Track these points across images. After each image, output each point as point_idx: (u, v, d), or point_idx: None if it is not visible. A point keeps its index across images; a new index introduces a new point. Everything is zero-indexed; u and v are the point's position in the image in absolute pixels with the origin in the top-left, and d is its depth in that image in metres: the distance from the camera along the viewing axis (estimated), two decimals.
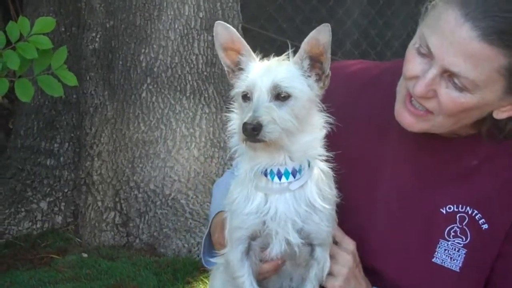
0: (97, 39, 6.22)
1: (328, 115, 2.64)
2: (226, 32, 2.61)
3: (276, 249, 2.63)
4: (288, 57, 2.61)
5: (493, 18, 2.42)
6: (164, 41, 5.99)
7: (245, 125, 2.45)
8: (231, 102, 2.70)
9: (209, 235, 3.05)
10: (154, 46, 6.00)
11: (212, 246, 3.02)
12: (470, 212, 2.77)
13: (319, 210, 2.63)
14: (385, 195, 2.85)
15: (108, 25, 6.17)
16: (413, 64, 2.62)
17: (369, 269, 2.85)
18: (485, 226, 2.75)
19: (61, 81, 4.59)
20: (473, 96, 2.54)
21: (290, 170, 2.60)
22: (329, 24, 2.54)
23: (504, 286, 2.76)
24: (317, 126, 2.63)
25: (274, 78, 2.52)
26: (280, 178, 2.60)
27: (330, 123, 2.63)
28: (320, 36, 2.54)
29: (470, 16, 2.43)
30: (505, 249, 2.75)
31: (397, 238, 2.83)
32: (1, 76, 4.45)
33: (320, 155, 2.65)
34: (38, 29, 4.52)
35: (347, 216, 2.72)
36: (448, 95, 2.56)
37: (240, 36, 2.62)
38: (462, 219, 2.78)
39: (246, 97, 2.56)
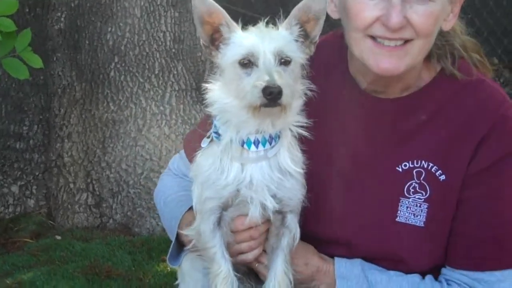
0: (62, 19, 6.15)
1: (309, 82, 2.67)
2: (203, 5, 2.59)
3: (253, 213, 2.64)
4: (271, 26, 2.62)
5: None
6: (130, 18, 5.94)
7: (268, 89, 2.44)
8: (205, 75, 2.68)
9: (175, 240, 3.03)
10: (121, 24, 5.94)
11: (178, 251, 3.01)
12: (426, 166, 2.80)
13: (292, 175, 2.65)
14: (341, 164, 2.87)
15: (73, 4, 6.09)
16: (367, 10, 2.65)
17: (336, 240, 2.87)
18: (443, 177, 2.79)
19: (26, 64, 4.55)
20: (436, 2, 2.63)
21: (267, 138, 2.61)
22: None
23: (464, 230, 2.80)
24: (299, 92, 2.65)
25: (277, 43, 2.53)
26: (257, 146, 2.60)
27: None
28: (314, 3, 2.57)
29: None
30: (463, 195, 2.79)
31: (359, 204, 2.85)
32: None
33: (297, 122, 2.66)
34: (0, 11, 4.46)
35: (309, 186, 2.73)
36: (418, 13, 2.61)
37: (219, 7, 2.59)
38: (419, 174, 2.81)
39: (245, 64, 2.54)
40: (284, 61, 2.54)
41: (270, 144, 2.62)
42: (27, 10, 6.25)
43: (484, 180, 2.77)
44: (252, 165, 2.62)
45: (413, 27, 2.62)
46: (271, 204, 2.63)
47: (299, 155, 2.68)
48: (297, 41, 2.61)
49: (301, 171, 2.67)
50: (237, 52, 2.56)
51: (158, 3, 5.98)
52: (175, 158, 3.23)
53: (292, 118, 2.64)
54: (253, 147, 2.61)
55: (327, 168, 2.86)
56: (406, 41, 2.66)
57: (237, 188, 2.62)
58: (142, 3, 5.95)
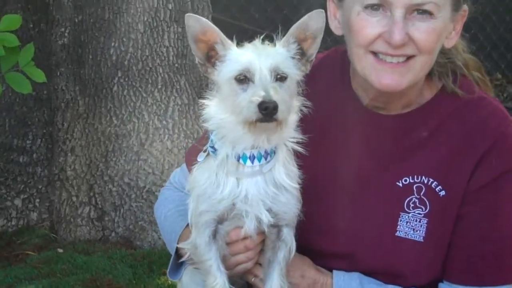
0: (66, 34, 6.19)
1: (304, 98, 2.69)
2: (197, 24, 2.62)
3: (248, 227, 2.67)
4: (267, 42, 2.65)
5: None
6: (133, 34, 5.98)
7: (264, 104, 2.46)
8: (207, 90, 2.71)
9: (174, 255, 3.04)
10: (124, 39, 5.98)
11: (177, 265, 3.04)
12: (426, 182, 2.82)
13: (287, 190, 2.67)
14: (343, 178, 2.89)
15: (76, 20, 6.14)
16: (369, 26, 2.68)
17: (336, 254, 2.89)
18: (442, 193, 2.81)
19: (29, 78, 4.58)
20: (437, 20, 2.65)
21: (263, 153, 2.64)
22: (323, 11, 2.60)
23: (463, 245, 2.82)
24: (294, 109, 2.67)
25: (273, 59, 2.56)
26: (252, 161, 2.63)
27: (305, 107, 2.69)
28: (311, 21, 2.60)
29: None
30: (463, 211, 2.81)
31: (360, 218, 2.87)
32: None
33: (292, 138, 2.69)
34: (4, 26, 4.51)
35: (310, 202, 2.75)
36: (420, 30, 2.64)
37: (213, 26, 2.63)
38: (419, 189, 2.83)
39: (241, 80, 2.56)
40: (280, 77, 2.57)
41: (266, 159, 2.64)
42: (31, 25, 6.29)
43: (483, 196, 2.79)
44: (248, 180, 2.64)
45: (415, 44, 2.65)
46: (266, 218, 2.65)
47: (294, 170, 2.71)
48: (293, 58, 2.63)
49: (297, 186, 2.69)
50: (233, 68, 2.59)
51: (161, 18, 6.02)
52: (176, 172, 3.26)
53: (288, 133, 2.67)
54: (248, 162, 2.63)
55: (330, 181, 2.88)
56: (409, 58, 2.69)
57: (233, 202, 2.65)
58: (145, 19, 5.99)
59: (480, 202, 2.79)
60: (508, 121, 2.83)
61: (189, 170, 2.86)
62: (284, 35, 2.65)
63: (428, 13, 2.64)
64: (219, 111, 2.65)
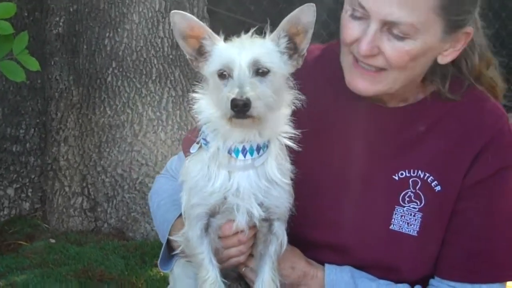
0: (60, 24, 6.17)
1: (298, 92, 2.67)
2: (183, 20, 2.61)
3: (239, 221, 2.65)
4: (258, 35, 2.62)
5: None
6: (128, 24, 5.96)
7: (234, 101, 2.45)
8: (197, 83, 2.70)
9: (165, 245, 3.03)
10: (119, 29, 5.96)
11: (168, 256, 3.02)
12: (422, 176, 2.81)
13: (278, 184, 2.66)
14: (339, 170, 2.88)
15: (71, 9, 6.12)
16: (351, 28, 2.67)
17: (330, 246, 2.88)
18: (438, 188, 2.80)
19: (23, 66, 4.57)
20: (416, 42, 2.61)
21: (255, 147, 2.62)
22: (314, 4, 2.57)
23: (457, 241, 2.82)
24: (286, 103, 2.66)
25: (253, 54, 2.53)
26: (244, 155, 2.62)
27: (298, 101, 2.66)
28: (302, 15, 2.57)
29: None
30: (458, 207, 2.80)
31: (354, 211, 2.87)
32: None
33: (285, 132, 2.67)
34: None
35: (305, 195, 2.75)
36: (392, 47, 2.61)
37: (199, 21, 2.62)
38: (415, 183, 2.82)
39: (223, 75, 2.55)
40: (262, 72, 2.54)
41: (258, 153, 2.63)
42: (25, 14, 6.27)
43: (479, 193, 2.79)
44: (239, 173, 2.63)
45: (385, 59, 2.64)
46: (257, 212, 2.64)
47: (287, 165, 2.69)
48: (284, 53, 2.61)
49: (288, 181, 2.68)
50: (216, 63, 2.58)
51: (156, 9, 6.00)
52: (174, 159, 3.24)
53: (280, 128, 2.66)
54: (240, 155, 2.62)
55: (326, 174, 2.88)
56: (381, 69, 2.68)
57: (224, 196, 2.63)
58: (141, 9, 5.97)
59: (476, 198, 2.79)
60: (505, 118, 2.83)
61: (186, 157, 2.85)
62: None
63: (401, 35, 2.60)
64: (208, 105, 2.65)
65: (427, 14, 2.58)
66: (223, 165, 2.63)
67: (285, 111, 2.65)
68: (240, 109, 2.45)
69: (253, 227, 2.71)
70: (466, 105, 2.83)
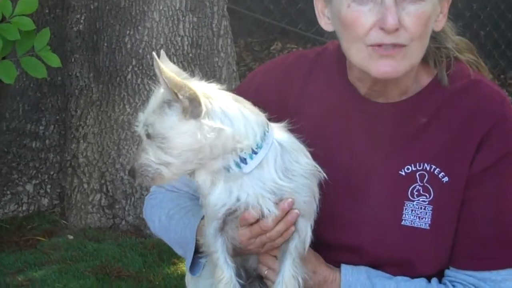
0: (81, 21, 6.19)
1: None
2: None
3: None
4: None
5: None
6: (148, 22, 5.97)
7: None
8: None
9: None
10: (139, 27, 5.98)
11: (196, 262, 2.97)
12: (428, 169, 2.79)
13: (291, 179, 2.62)
14: (345, 171, 2.87)
15: (92, 7, 6.14)
16: (363, 16, 2.63)
17: (342, 246, 2.87)
18: (446, 179, 2.78)
19: (45, 63, 4.59)
20: (427, 2, 2.61)
21: (246, 156, 2.58)
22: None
23: (469, 229, 2.79)
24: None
25: (144, 116, 2.60)
26: (246, 162, 2.59)
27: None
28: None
29: None
30: (467, 195, 2.78)
31: (364, 210, 2.85)
32: None
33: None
34: (20, 10, 4.52)
35: None
36: (409, 14, 2.60)
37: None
38: (422, 176, 2.80)
39: None
40: (147, 134, 2.59)
41: (245, 163, 2.59)
42: (47, 11, 6.29)
43: (487, 180, 2.76)
44: (239, 182, 2.60)
45: (406, 30, 2.62)
46: (272, 211, 2.61)
47: (297, 165, 2.65)
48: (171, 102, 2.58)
49: (305, 176, 2.65)
50: None
51: (177, 7, 6.01)
52: None
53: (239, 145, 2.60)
54: (242, 165, 2.60)
55: (333, 175, 2.86)
56: (402, 46, 2.65)
57: (228, 208, 2.62)
58: (161, 7, 5.98)
59: (483, 185, 2.76)
60: (506, 103, 2.80)
61: None
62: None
63: None
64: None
65: None
66: (219, 179, 2.60)
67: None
68: (132, 177, 2.60)
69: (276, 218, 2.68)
70: (465, 92, 2.81)
